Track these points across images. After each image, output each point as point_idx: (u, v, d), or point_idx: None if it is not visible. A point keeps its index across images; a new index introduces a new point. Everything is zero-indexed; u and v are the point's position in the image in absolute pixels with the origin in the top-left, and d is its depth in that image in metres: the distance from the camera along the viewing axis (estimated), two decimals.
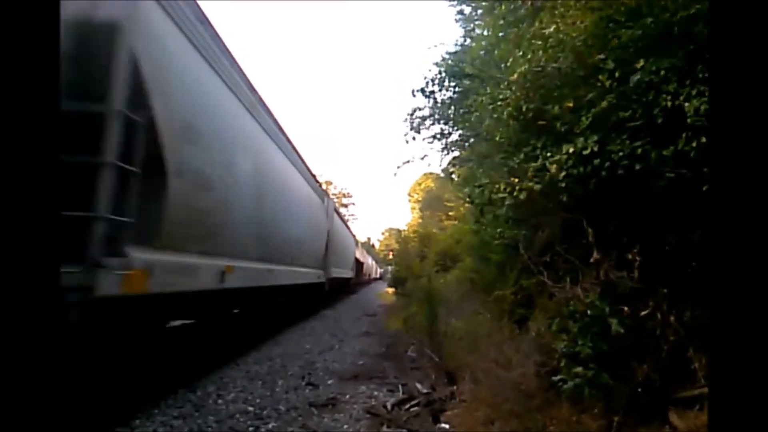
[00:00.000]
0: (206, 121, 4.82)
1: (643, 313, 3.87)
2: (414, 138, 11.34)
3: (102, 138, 3.15)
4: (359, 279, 34.69)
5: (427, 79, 9.76)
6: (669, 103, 3.45)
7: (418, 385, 6.03)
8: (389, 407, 5.21)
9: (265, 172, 7.20)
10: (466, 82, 8.37)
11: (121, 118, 3.24)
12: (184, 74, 4.36)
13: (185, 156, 4.23)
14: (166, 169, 3.86)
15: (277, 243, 8.17)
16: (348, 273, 24.16)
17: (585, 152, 3.78)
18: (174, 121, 4.00)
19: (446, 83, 9.66)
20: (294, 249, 9.61)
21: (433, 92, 9.81)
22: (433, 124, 11.30)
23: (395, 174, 18.39)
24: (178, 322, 6.88)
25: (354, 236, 29.90)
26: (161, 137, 3.74)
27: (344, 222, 24.71)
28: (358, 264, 31.75)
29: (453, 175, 13.28)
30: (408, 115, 11.25)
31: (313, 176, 13.20)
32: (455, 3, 11.77)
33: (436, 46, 15.75)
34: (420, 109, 11.07)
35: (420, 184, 35.12)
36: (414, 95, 9.94)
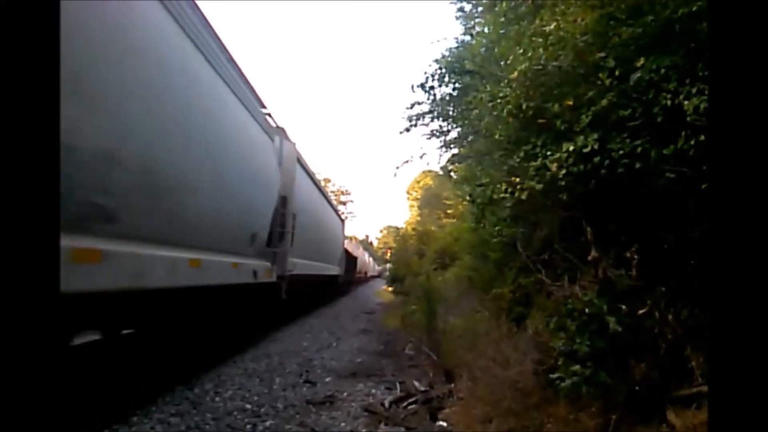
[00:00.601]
0: None
1: (641, 311, 3.87)
2: (408, 130, 11.28)
3: None
4: (351, 277, 29.26)
5: (427, 75, 9.72)
6: (669, 102, 3.45)
7: (416, 383, 6.04)
8: (387, 405, 5.22)
9: None
10: (467, 78, 8.37)
11: None
12: None
13: None
14: None
15: None
16: (332, 269, 18.03)
17: (585, 150, 3.77)
18: None
19: (446, 79, 9.64)
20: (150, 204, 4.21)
21: (432, 87, 9.77)
22: (431, 120, 11.29)
23: (395, 174, 18.12)
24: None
25: (342, 220, 23.34)
26: None
27: (322, 191, 16.71)
28: (350, 258, 26.52)
29: (452, 173, 13.28)
30: (407, 108, 11.19)
31: (256, 94, 7.66)
32: (456, 0, 11.75)
33: (438, 40, 15.55)
34: (419, 104, 11.03)
35: (419, 182, 35.11)
36: (413, 90, 9.91)
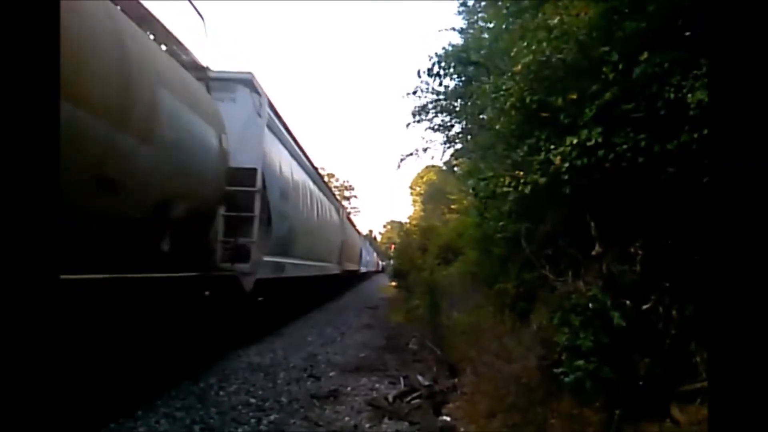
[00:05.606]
0: None
1: (645, 306, 3.86)
2: (419, 122, 11.22)
3: None
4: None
5: (433, 60, 9.61)
6: (672, 95, 3.43)
7: (420, 378, 6.05)
8: (391, 399, 5.23)
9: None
10: (471, 69, 8.33)
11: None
12: None
13: None
14: None
15: None
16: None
17: (589, 144, 3.75)
18: None
19: (451, 69, 9.55)
20: None
21: (439, 74, 9.65)
22: (435, 115, 11.26)
23: (398, 167, 17.61)
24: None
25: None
26: None
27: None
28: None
29: (455, 168, 13.26)
30: (409, 94, 11.05)
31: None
32: None
33: (445, 29, 15.29)
34: (423, 91, 10.95)
35: (422, 177, 35.03)
36: (419, 76, 9.78)
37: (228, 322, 7.04)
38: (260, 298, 8.26)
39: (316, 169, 14.16)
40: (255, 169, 7.09)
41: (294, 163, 10.69)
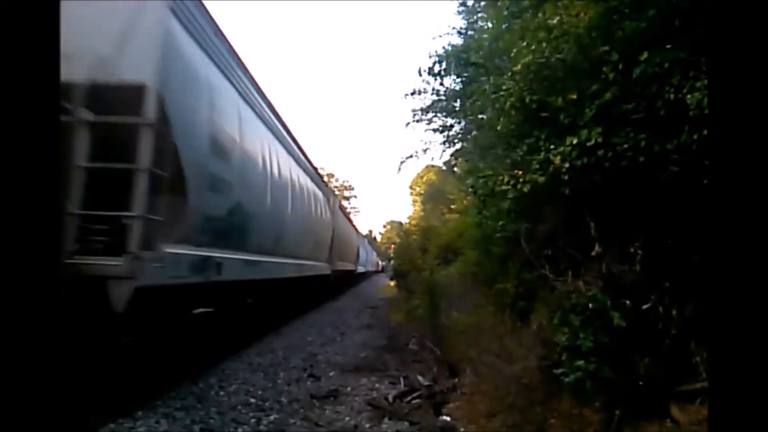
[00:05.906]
0: None
1: (645, 306, 3.86)
2: (419, 121, 11.24)
3: None
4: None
5: (434, 59, 9.61)
6: (672, 96, 3.43)
7: (420, 378, 6.05)
8: (391, 399, 5.23)
9: None
10: (471, 69, 8.34)
11: None
12: None
13: None
14: None
15: None
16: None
17: (589, 144, 3.76)
18: None
19: (452, 70, 9.55)
20: None
21: (439, 73, 9.63)
22: (435, 115, 11.27)
23: (399, 170, 17.66)
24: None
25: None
26: None
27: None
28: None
29: (455, 168, 13.28)
30: (408, 95, 11.06)
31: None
32: None
33: (441, 36, 15.35)
34: (423, 92, 10.95)
35: (422, 177, 35.04)
36: (420, 75, 9.78)
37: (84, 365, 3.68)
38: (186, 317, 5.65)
39: (295, 140, 10.16)
40: (143, 87, 3.78)
41: (248, 111, 6.63)
